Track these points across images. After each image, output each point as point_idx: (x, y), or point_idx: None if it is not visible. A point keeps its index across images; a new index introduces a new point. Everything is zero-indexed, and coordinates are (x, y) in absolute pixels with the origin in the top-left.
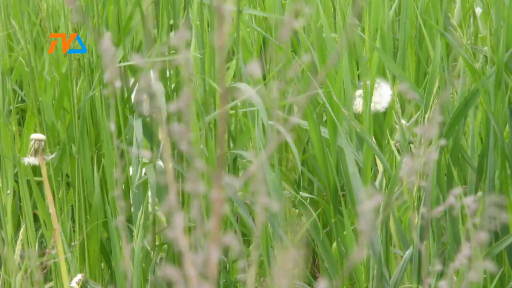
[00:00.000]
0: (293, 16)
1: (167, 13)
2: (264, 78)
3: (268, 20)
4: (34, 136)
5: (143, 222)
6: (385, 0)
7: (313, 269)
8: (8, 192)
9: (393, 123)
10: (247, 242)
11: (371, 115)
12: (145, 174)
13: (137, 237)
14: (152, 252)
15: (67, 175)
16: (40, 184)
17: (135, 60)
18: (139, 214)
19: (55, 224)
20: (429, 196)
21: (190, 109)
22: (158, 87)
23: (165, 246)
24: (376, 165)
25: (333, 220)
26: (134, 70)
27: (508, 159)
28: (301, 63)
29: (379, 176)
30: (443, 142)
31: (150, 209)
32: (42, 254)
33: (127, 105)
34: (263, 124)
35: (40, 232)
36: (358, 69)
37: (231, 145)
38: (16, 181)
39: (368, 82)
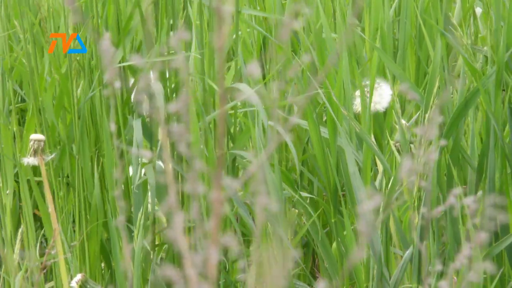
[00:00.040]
0: (293, 16)
1: (167, 13)
2: (264, 78)
3: (268, 20)
4: (34, 136)
5: (143, 222)
6: (385, 0)
7: (313, 269)
8: (8, 192)
9: (393, 123)
10: (247, 242)
11: (371, 115)
12: (145, 174)
13: (137, 237)
14: (152, 252)
15: (67, 175)
16: (40, 184)
17: (134, 60)
18: (139, 214)
19: (55, 224)
20: (429, 196)
21: (189, 110)
22: (157, 88)
23: (165, 246)
24: (376, 165)
25: (333, 220)
26: (133, 71)
27: (508, 159)
28: (301, 63)
29: (379, 176)
30: (443, 142)
31: (150, 209)
32: (42, 254)
33: (127, 106)
34: (263, 124)
35: (40, 232)
36: (358, 69)
37: (231, 145)
38: (16, 181)
39: (368, 82)
